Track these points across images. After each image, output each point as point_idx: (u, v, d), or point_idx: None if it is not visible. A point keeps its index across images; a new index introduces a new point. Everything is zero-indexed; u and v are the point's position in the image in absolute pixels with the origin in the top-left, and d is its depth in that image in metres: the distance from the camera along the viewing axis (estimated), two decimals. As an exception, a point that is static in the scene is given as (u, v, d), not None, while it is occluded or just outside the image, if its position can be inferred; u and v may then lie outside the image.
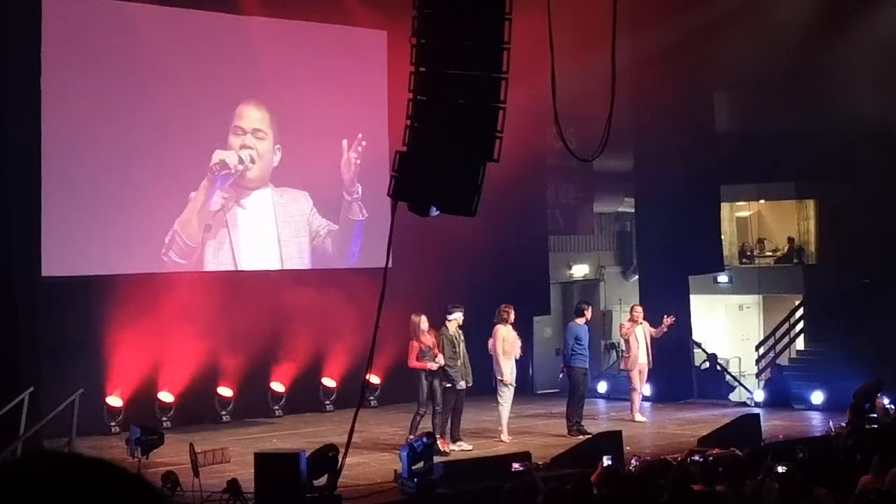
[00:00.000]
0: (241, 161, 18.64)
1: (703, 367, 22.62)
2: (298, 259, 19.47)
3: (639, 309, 18.64)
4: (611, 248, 26.73)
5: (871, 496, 9.01)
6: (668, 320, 18.15)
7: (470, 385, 15.68)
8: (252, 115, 18.84)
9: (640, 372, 18.20)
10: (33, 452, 1.77)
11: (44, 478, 1.63)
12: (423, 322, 15.43)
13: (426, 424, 15.13)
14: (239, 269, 18.69)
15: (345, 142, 19.68)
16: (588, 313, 17.56)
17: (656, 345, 18.35)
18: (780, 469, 9.59)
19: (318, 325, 18.56)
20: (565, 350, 17.52)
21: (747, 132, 24.25)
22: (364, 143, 19.67)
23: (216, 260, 18.47)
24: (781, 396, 20.12)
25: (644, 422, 18.01)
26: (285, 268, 19.25)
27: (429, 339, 15.35)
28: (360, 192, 19.80)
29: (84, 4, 17.53)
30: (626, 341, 18.49)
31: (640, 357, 18.12)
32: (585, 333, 17.37)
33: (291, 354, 18.84)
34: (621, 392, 19.63)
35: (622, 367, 19.37)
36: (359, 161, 19.72)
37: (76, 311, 16.67)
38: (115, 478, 1.67)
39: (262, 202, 19.04)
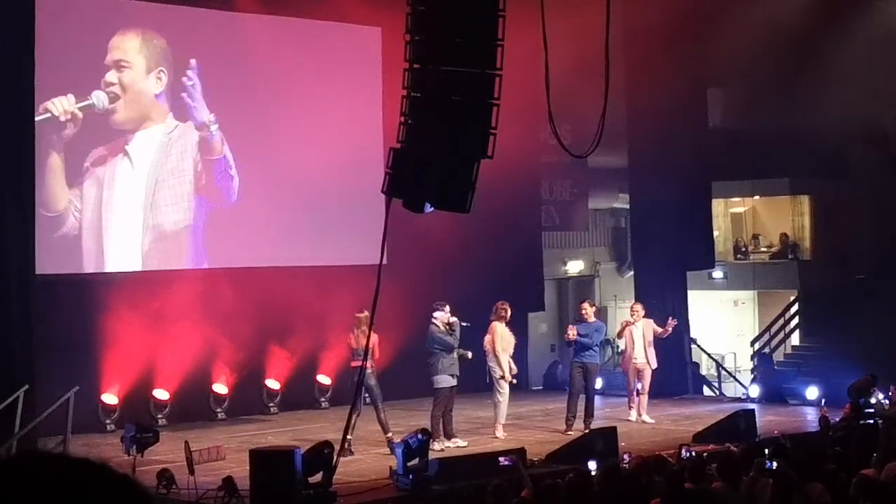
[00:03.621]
0: (89, 101, 17.10)
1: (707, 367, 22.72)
2: (174, 205, 18.07)
3: (637, 307, 18.17)
4: (605, 244, 26.76)
5: (867, 487, 9.01)
6: (671, 322, 17.94)
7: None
8: (120, 46, 17.54)
9: (636, 371, 17.91)
10: (19, 453, 1.77)
11: (28, 479, 1.62)
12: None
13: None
14: (104, 228, 17.36)
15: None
16: (584, 311, 17.35)
17: (657, 344, 17.92)
18: (774, 465, 9.57)
19: (313, 322, 18.54)
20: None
21: (741, 128, 24.27)
22: (189, 71, 18.25)
23: (90, 223, 17.22)
24: (775, 392, 20.12)
25: (637, 420, 17.78)
26: (150, 222, 17.84)
27: (362, 340, 14.57)
28: (213, 125, 18.45)
29: (79, 2, 17.52)
30: (624, 340, 18.30)
31: (637, 356, 17.80)
32: (584, 330, 17.15)
33: (286, 352, 18.84)
34: (617, 388, 19.57)
35: (621, 365, 19.32)
36: (184, 93, 18.26)
37: (71, 308, 16.64)
38: (100, 477, 1.66)
39: (145, 144, 17.78)
